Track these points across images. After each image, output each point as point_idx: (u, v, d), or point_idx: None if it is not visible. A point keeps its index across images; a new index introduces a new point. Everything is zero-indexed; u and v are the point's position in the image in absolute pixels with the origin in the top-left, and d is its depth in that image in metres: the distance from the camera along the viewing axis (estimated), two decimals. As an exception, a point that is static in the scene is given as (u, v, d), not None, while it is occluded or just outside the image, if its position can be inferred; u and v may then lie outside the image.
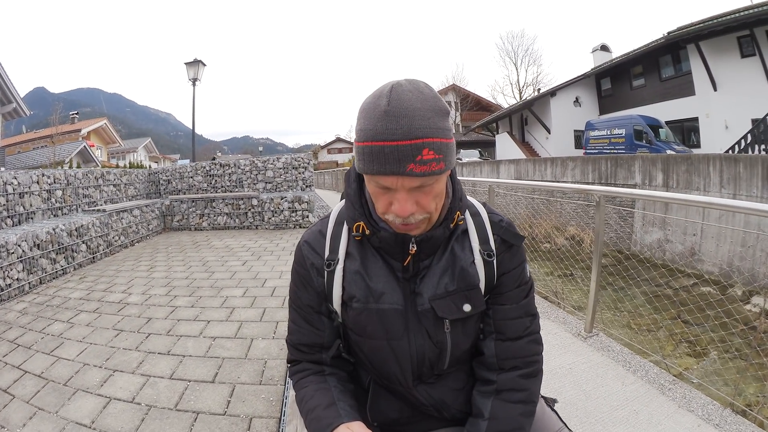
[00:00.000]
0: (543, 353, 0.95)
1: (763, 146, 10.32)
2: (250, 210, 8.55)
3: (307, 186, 9.18)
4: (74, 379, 2.49)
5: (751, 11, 11.40)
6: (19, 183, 5.42)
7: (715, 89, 13.62)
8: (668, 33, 14.01)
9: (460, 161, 19.72)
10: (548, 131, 21.00)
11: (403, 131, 0.67)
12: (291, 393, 2.16)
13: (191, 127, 11.45)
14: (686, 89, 14.91)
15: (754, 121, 11.49)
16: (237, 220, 8.59)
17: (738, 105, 12.73)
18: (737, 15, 11.70)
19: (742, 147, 10.89)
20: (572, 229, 8.60)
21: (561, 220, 9.27)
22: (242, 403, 2.19)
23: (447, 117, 0.73)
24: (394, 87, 0.71)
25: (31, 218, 5.62)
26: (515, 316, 0.90)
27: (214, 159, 9.86)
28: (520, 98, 31.52)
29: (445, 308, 0.85)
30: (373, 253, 0.87)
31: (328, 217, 0.94)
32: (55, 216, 6.10)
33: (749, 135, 10.84)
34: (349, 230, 0.88)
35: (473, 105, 33.83)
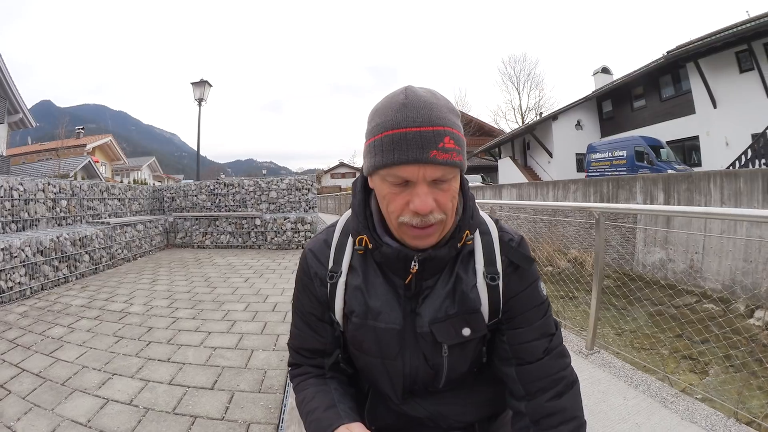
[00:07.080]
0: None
1: (763, 160, 10.27)
2: (253, 230, 8.61)
3: (310, 207, 9.23)
4: (72, 380, 2.49)
5: (748, 25, 11.43)
6: (24, 189, 5.49)
7: (714, 106, 13.63)
8: (668, 52, 14.13)
9: None
10: (550, 155, 20.90)
11: (424, 119, 0.68)
12: (290, 400, 2.15)
13: (196, 148, 11.54)
14: (686, 108, 14.96)
15: (754, 136, 11.44)
16: (240, 239, 8.64)
17: (738, 121, 12.68)
18: (735, 30, 11.75)
19: (742, 163, 10.85)
20: (574, 252, 8.58)
21: (563, 242, 9.26)
22: (240, 410, 2.18)
23: (459, 117, 0.74)
24: (408, 87, 0.72)
25: (35, 225, 5.67)
26: (531, 338, 0.84)
27: (217, 180, 10.06)
28: (522, 122, 31.43)
29: (444, 333, 0.82)
30: (375, 268, 0.85)
31: (334, 226, 0.92)
32: (59, 225, 6.14)
33: (749, 150, 10.83)
34: (353, 242, 0.86)
35: (476, 130, 33.81)
